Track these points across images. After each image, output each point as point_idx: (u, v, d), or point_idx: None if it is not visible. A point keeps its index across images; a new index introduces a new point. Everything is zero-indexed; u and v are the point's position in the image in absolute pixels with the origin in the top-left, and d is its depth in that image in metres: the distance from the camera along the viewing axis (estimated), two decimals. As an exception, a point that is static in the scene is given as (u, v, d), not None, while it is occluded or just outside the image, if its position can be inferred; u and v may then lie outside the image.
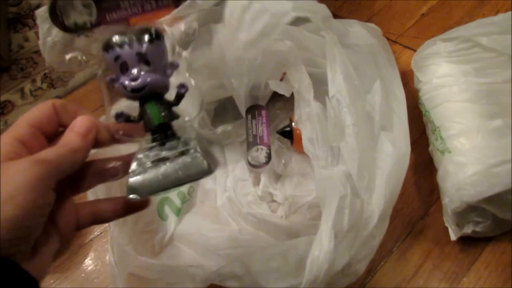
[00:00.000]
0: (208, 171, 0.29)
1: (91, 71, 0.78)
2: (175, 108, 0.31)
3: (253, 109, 0.61)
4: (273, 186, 0.58)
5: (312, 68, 0.54)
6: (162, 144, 0.30)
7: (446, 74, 0.54)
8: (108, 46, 0.30)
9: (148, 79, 0.29)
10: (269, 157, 0.56)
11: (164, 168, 0.29)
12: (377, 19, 0.74)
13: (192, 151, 0.30)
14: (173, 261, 0.52)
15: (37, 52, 0.84)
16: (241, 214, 0.55)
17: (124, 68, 0.29)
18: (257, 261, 0.43)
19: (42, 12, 0.57)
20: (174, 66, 0.31)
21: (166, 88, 0.31)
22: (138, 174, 0.29)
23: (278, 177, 0.59)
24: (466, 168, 0.48)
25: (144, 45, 0.29)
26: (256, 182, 0.58)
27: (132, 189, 0.29)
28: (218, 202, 0.58)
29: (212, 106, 0.64)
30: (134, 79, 0.29)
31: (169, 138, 0.31)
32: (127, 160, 0.31)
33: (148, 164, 0.29)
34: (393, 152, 0.49)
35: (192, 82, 0.33)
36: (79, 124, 0.29)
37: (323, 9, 0.49)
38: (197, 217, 0.57)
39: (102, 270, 0.57)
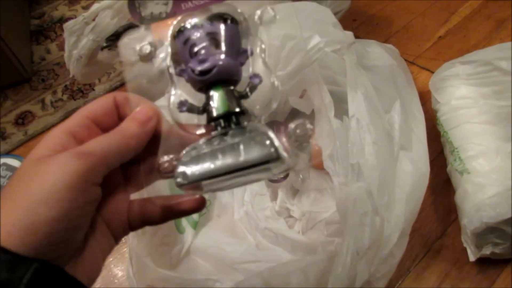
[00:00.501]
0: (275, 157, 0.24)
1: (111, 84, 0.79)
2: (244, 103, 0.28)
3: (271, 125, 0.62)
4: (290, 201, 0.58)
5: (332, 86, 0.55)
6: (225, 134, 0.26)
7: (465, 96, 0.55)
8: (179, 31, 0.27)
9: (218, 61, 0.26)
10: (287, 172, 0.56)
11: (221, 150, 0.25)
12: (394, 40, 0.75)
13: (259, 133, 0.25)
14: (191, 274, 0.52)
15: (59, 64, 0.86)
16: (258, 228, 0.56)
17: (193, 52, 0.27)
18: (277, 276, 0.43)
19: (70, 25, 0.59)
20: (246, 54, 0.28)
21: (236, 75, 0.27)
22: (190, 157, 0.25)
23: (295, 192, 0.59)
24: (485, 189, 0.48)
25: (216, 25, 0.27)
26: (274, 197, 0.59)
27: (180, 172, 0.25)
28: (236, 216, 0.59)
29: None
30: (203, 60, 0.26)
31: (233, 128, 0.27)
32: None
33: (204, 149, 0.26)
34: (413, 171, 0.49)
35: (275, 82, 0.28)
36: (139, 112, 0.27)
37: (350, 38, 0.50)
38: (214, 231, 0.58)
39: (119, 281, 0.57)
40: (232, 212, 0.59)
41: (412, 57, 0.72)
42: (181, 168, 0.25)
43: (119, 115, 0.27)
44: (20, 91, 0.82)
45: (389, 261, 0.46)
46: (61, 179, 0.21)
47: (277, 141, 0.24)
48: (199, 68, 0.26)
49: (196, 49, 0.27)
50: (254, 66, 0.28)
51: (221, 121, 0.26)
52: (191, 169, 0.25)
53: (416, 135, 0.52)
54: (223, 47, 0.27)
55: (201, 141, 0.26)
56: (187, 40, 0.27)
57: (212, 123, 0.27)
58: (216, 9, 0.28)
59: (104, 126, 0.27)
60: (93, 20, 0.59)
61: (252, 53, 0.28)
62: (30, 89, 0.82)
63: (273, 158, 0.24)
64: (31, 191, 0.21)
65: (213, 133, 0.27)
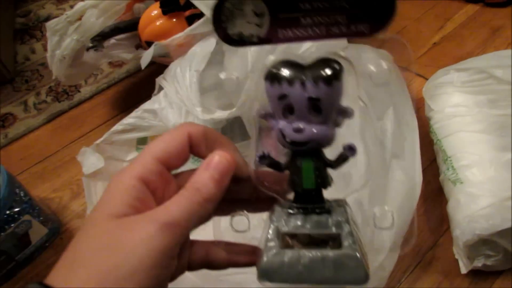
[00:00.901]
0: (364, 280, 0.23)
1: (98, 86, 0.77)
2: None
3: (261, 131, 0.60)
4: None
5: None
6: (306, 213, 0.25)
7: (459, 104, 0.54)
8: (274, 78, 0.24)
9: (315, 133, 0.24)
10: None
11: (309, 257, 0.24)
12: (388, 45, 0.74)
13: (346, 243, 0.24)
14: (175, 285, 0.50)
15: (44, 64, 0.83)
16: (246, 238, 0.54)
17: (288, 111, 0.24)
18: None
19: (53, 24, 0.57)
20: (348, 114, 0.25)
21: (330, 143, 0.25)
22: (275, 254, 0.24)
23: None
24: (478, 200, 0.47)
25: (320, 88, 0.23)
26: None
27: (264, 271, 0.24)
28: (222, 224, 0.57)
29: (219, 126, 0.64)
30: (299, 130, 0.24)
31: (316, 208, 0.25)
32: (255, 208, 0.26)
33: (288, 241, 0.24)
34: (405, 180, 0.48)
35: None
36: (215, 163, 0.24)
37: (343, 42, 0.49)
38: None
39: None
40: (218, 220, 0.57)
41: (406, 63, 0.71)
42: (266, 266, 0.24)
43: (191, 152, 0.25)
44: (2, 92, 0.80)
45: (379, 274, 0.45)
46: (148, 255, 0.20)
47: (361, 251, 0.24)
48: (293, 138, 0.24)
49: (292, 111, 0.24)
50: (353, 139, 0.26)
51: (303, 196, 0.25)
52: (276, 273, 0.24)
53: (409, 143, 0.51)
54: (323, 114, 0.24)
55: (280, 220, 0.25)
56: (283, 97, 0.24)
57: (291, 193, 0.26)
58: (322, 53, 0.24)
59: (173, 167, 0.24)
60: (79, 19, 0.57)
61: (352, 114, 0.25)
62: (13, 90, 0.80)
63: (363, 282, 0.23)
64: (116, 262, 0.20)
65: (294, 207, 0.25)
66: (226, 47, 0.58)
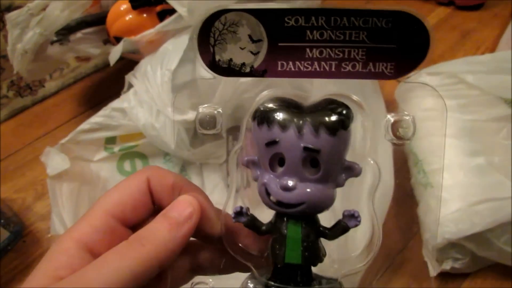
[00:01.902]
0: None
1: (64, 81, 0.74)
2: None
3: (234, 130, 0.59)
4: (254, 211, 0.56)
5: (300, 91, 0.53)
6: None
7: (431, 108, 0.54)
8: (263, 119, 0.19)
9: (308, 194, 0.19)
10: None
11: None
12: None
13: None
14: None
15: (5, 56, 0.79)
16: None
17: (276, 163, 0.20)
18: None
19: (14, 16, 0.54)
20: (354, 172, 0.20)
21: (327, 207, 0.20)
22: None
23: (258, 202, 0.57)
24: (448, 204, 0.48)
25: (321, 138, 0.19)
26: (249, 195, 0.56)
27: None
28: None
29: (191, 126, 0.62)
30: (287, 188, 0.19)
31: (300, 286, 0.20)
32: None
33: None
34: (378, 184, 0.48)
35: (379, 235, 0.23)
36: (176, 207, 0.20)
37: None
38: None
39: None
40: None
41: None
42: None
43: (153, 202, 0.21)
44: (-42, 86, 0.75)
45: (351, 279, 0.45)
46: None
47: None
48: (279, 198, 0.19)
49: (282, 162, 0.19)
50: (360, 201, 0.21)
51: (286, 272, 0.20)
52: None
53: (382, 146, 0.51)
54: (322, 171, 0.19)
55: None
56: (272, 143, 0.19)
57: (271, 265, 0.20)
58: (328, 94, 0.20)
59: (134, 222, 0.20)
60: (42, 11, 0.54)
61: (359, 173, 0.20)
62: (-29, 84, 0.76)
63: None
64: None
65: (271, 283, 0.20)
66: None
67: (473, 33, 0.73)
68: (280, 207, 0.20)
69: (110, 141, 0.57)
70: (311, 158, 0.19)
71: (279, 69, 0.20)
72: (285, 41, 0.19)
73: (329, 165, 0.19)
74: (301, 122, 0.19)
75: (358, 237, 0.45)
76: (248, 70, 0.20)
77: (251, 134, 0.21)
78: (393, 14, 0.18)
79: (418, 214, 0.52)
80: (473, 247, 0.47)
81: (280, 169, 0.20)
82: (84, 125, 0.54)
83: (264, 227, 0.21)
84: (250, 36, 0.19)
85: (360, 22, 0.18)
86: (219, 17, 0.19)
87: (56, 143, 0.53)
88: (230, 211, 0.21)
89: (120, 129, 0.55)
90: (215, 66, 0.20)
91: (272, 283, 0.20)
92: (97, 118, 0.54)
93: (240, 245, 0.22)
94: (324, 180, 0.19)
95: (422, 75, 0.56)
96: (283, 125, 0.19)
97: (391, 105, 0.64)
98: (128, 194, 0.20)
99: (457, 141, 0.51)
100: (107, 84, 0.74)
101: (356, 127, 0.54)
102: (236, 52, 0.20)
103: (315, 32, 0.19)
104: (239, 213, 0.21)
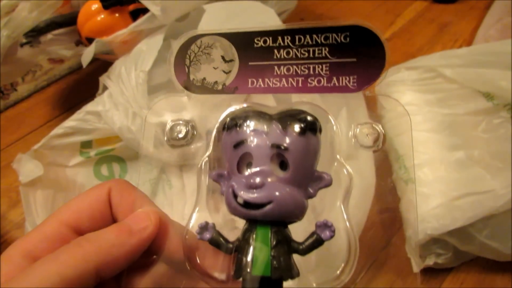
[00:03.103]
0: None
1: (37, 84, 0.71)
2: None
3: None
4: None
5: (267, 104, 0.52)
6: None
7: (410, 103, 0.54)
8: (231, 124, 0.19)
9: (277, 193, 0.18)
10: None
11: None
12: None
13: None
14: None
15: (-25, 59, 0.76)
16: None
17: (245, 165, 0.19)
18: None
19: (-20, 18, 0.52)
20: (325, 181, 0.20)
21: (298, 216, 0.20)
22: None
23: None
24: (429, 200, 0.47)
25: (290, 136, 0.18)
26: (216, 209, 0.55)
27: None
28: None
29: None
30: (254, 186, 0.18)
31: None
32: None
33: None
34: (359, 182, 0.47)
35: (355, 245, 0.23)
36: (132, 217, 0.19)
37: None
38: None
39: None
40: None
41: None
42: None
43: (112, 217, 0.20)
44: None
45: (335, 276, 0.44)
46: None
47: None
48: (246, 197, 0.18)
49: (250, 165, 0.19)
50: (331, 209, 0.21)
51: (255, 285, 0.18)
52: None
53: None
54: (291, 171, 0.18)
55: None
56: (240, 144, 0.19)
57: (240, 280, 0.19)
58: (295, 104, 0.20)
59: (87, 232, 0.19)
60: (10, 13, 0.52)
61: (329, 183, 0.20)
62: None
63: None
64: None
65: None
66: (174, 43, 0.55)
67: (450, 26, 0.73)
68: (246, 208, 0.18)
69: (86, 145, 0.56)
70: (280, 159, 0.19)
71: (250, 86, 0.20)
72: (255, 61, 0.20)
73: (298, 167, 0.19)
74: (269, 122, 0.19)
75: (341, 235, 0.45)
76: (220, 87, 0.21)
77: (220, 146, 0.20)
78: (350, 28, 0.19)
79: (400, 210, 0.52)
80: (455, 242, 0.47)
81: (247, 171, 0.19)
82: (58, 130, 0.52)
83: (230, 244, 0.20)
84: (223, 57, 0.20)
85: (322, 39, 0.19)
86: (195, 40, 0.20)
87: (30, 148, 0.52)
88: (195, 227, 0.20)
89: (95, 132, 0.53)
90: (189, 85, 0.21)
91: None
92: (71, 122, 0.52)
93: (203, 266, 0.20)
94: (293, 183, 0.19)
95: (401, 70, 0.56)
96: (251, 125, 0.19)
97: (371, 101, 0.64)
98: (86, 203, 0.19)
99: (437, 136, 0.51)
100: (82, 86, 0.72)
101: (340, 125, 0.54)
102: (209, 71, 0.21)
103: (282, 51, 0.20)
104: (204, 227, 0.20)
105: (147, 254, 0.19)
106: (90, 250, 0.17)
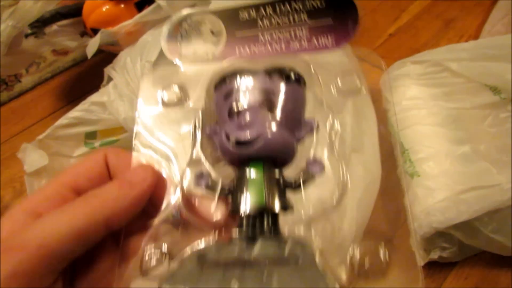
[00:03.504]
0: None
1: (41, 75, 0.71)
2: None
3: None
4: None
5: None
6: (251, 239, 0.19)
7: (416, 97, 0.54)
8: (222, 79, 0.21)
9: (266, 131, 0.19)
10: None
11: (241, 283, 0.17)
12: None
13: (304, 265, 0.18)
14: None
15: (-21, 50, 0.76)
16: None
17: (235, 112, 0.20)
18: None
19: (-15, 8, 0.52)
20: (309, 127, 0.21)
21: (288, 155, 0.20)
22: (185, 279, 0.17)
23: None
24: (435, 193, 0.47)
25: (275, 82, 0.20)
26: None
27: None
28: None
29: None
30: (244, 125, 0.19)
31: (266, 235, 0.19)
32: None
33: (213, 268, 0.17)
34: (364, 175, 0.47)
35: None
36: (130, 172, 0.20)
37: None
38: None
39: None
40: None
41: (363, 54, 0.71)
42: None
43: (111, 178, 0.20)
44: None
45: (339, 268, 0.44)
46: None
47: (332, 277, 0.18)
48: (237, 135, 0.19)
49: (240, 108, 0.20)
50: (317, 148, 0.22)
51: (251, 218, 0.19)
52: None
53: (368, 136, 0.51)
54: (279, 113, 0.20)
55: (214, 244, 0.19)
56: (230, 93, 0.20)
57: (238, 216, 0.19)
58: (280, 61, 0.21)
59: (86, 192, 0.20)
60: (16, 2, 0.52)
61: (317, 129, 0.21)
62: None
63: None
64: None
65: (235, 235, 0.19)
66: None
67: (456, 22, 0.73)
68: (238, 146, 0.19)
69: (90, 136, 0.55)
70: (268, 104, 0.20)
71: (237, 53, 0.22)
72: (241, 32, 0.22)
73: (286, 111, 0.20)
74: (256, 73, 0.20)
75: (345, 228, 0.45)
76: (210, 58, 0.22)
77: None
78: None
79: (405, 204, 0.52)
80: (460, 236, 0.47)
81: (238, 117, 0.20)
82: (62, 120, 0.52)
83: (226, 187, 0.20)
84: (211, 31, 0.22)
85: (300, 6, 0.22)
86: (186, 19, 0.23)
87: (34, 139, 0.52)
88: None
89: (100, 123, 0.53)
90: (182, 58, 0.23)
91: (238, 237, 0.19)
92: (75, 113, 0.52)
93: (201, 213, 0.21)
94: (282, 125, 0.20)
95: (407, 64, 0.56)
96: (239, 77, 0.20)
97: (376, 95, 0.64)
98: (84, 167, 0.20)
99: (443, 130, 0.50)
100: (86, 78, 0.72)
101: (345, 118, 0.54)
102: (199, 44, 0.23)
103: (265, 20, 0.22)
104: (200, 176, 0.20)
105: (146, 215, 0.20)
106: (96, 203, 0.18)
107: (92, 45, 0.53)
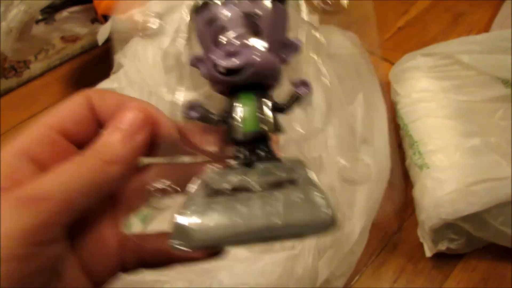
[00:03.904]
0: (330, 223, 0.17)
1: (49, 62, 0.71)
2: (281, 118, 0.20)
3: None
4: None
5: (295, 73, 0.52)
6: (248, 165, 0.19)
7: (425, 89, 0.54)
8: (202, 5, 0.20)
9: (255, 57, 0.19)
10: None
11: (247, 205, 0.17)
12: (355, 27, 0.73)
13: (302, 183, 0.18)
14: (138, 274, 0.48)
15: (-13, 37, 0.76)
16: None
17: (220, 38, 0.20)
18: (233, 276, 0.40)
19: (-3, -8, 0.51)
20: (294, 47, 0.21)
21: (275, 77, 0.20)
22: (197, 210, 0.17)
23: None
24: (444, 185, 0.48)
25: (258, 3, 0.20)
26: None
27: (180, 232, 0.17)
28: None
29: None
30: (232, 53, 0.19)
31: (262, 159, 0.19)
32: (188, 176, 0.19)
33: (218, 196, 0.18)
34: (374, 165, 0.48)
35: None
36: (123, 117, 0.18)
37: (315, 22, 0.48)
38: (164, 225, 0.54)
39: None
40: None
41: (372, 47, 0.71)
42: (182, 225, 0.17)
43: (98, 121, 0.19)
44: None
45: (349, 259, 0.45)
46: None
47: (329, 197, 0.18)
48: (225, 64, 0.19)
49: (225, 35, 0.19)
50: (301, 68, 0.22)
51: (246, 144, 0.19)
52: (198, 232, 0.17)
53: (378, 128, 0.51)
54: (264, 36, 0.19)
55: (212, 176, 0.19)
56: (213, 20, 0.20)
57: (231, 146, 0.20)
58: None
59: (78, 139, 0.19)
60: (27, -12, 0.52)
61: (298, 48, 0.21)
62: (-48, 64, 0.73)
63: (330, 225, 0.17)
64: None
65: (233, 162, 0.19)
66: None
67: (465, 16, 0.73)
68: (228, 75, 0.19)
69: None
70: (253, 26, 0.20)
71: None
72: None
73: (271, 33, 0.20)
74: None
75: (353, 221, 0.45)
76: None
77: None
78: None
79: (414, 195, 0.52)
80: (469, 228, 0.47)
81: (225, 42, 0.20)
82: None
83: (219, 117, 0.20)
84: None
85: None
86: None
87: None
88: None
89: (110, 110, 0.53)
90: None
91: (236, 164, 0.19)
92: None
93: (196, 143, 0.20)
94: (269, 48, 0.20)
95: (417, 57, 0.56)
96: (221, 1, 0.20)
97: (385, 87, 0.64)
98: (67, 110, 0.19)
99: (452, 122, 0.51)
100: (95, 65, 0.72)
101: (356, 109, 0.54)
102: None
103: None
104: (190, 107, 0.20)
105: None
106: (108, 160, 0.18)
107: (103, 32, 0.53)
